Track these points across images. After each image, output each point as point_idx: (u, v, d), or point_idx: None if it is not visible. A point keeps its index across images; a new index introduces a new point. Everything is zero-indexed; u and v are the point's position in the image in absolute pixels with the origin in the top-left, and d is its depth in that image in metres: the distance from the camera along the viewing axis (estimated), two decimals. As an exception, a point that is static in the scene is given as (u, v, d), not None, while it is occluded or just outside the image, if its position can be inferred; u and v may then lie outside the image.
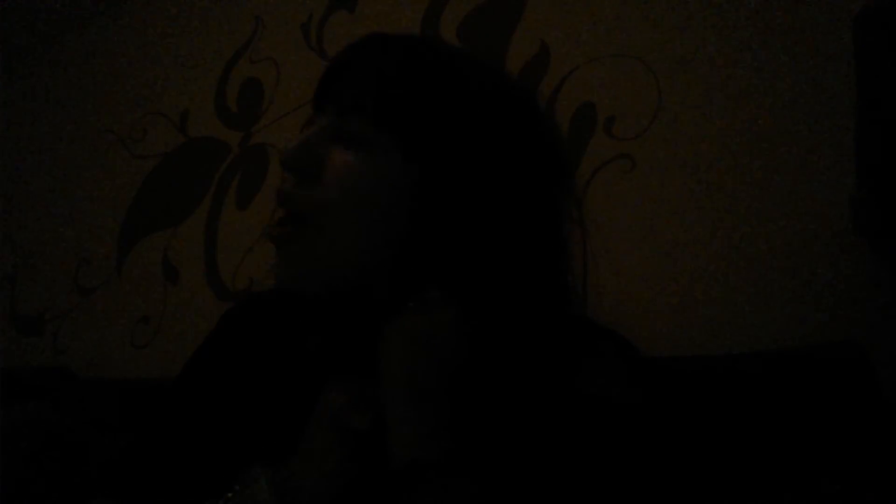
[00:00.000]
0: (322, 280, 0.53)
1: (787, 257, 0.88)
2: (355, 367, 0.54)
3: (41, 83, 1.90)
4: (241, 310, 0.66)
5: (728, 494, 0.66)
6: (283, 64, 1.44)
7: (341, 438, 0.51)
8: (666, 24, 1.03)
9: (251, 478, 0.51)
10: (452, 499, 0.46)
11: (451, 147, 0.53)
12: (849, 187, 0.80)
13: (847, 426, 0.66)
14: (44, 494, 0.87)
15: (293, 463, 0.52)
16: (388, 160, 0.52)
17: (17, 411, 0.98)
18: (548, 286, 0.59)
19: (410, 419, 0.48)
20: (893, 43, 0.67)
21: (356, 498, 0.50)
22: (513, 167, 0.55)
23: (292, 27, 1.44)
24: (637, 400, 0.53)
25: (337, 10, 1.39)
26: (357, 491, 0.51)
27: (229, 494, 0.51)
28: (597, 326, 0.63)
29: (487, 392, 0.50)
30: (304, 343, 0.58)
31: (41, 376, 1.37)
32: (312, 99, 0.58)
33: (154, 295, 1.50)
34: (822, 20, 0.91)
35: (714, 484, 0.66)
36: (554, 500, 0.48)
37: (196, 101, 1.56)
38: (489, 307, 0.52)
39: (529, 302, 0.55)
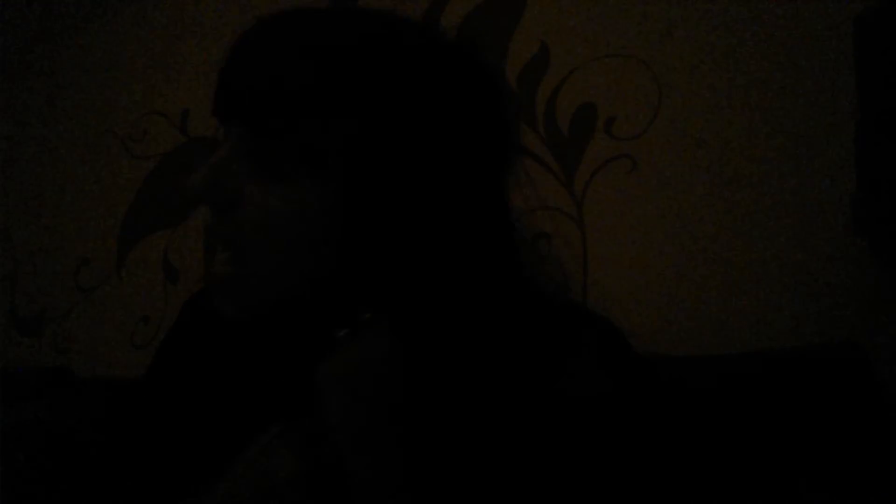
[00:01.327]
0: (243, 306, 0.50)
1: (787, 257, 0.88)
2: (289, 398, 0.49)
3: (41, 83, 1.89)
4: (196, 307, 0.63)
5: (728, 495, 0.66)
6: (283, 64, 1.44)
7: (259, 483, 0.46)
8: (666, 24, 1.03)
9: None
10: None
11: (369, 161, 0.47)
12: (849, 187, 0.80)
13: (847, 426, 0.66)
14: (44, 495, 0.87)
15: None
16: (304, 188, 0.47)
17: (17, 411, 0.97)
18: (500, 280, 0.52)
19: (363, 475, 0.44)
20: (893, 43, 0.67)
21: None
22: (438, 160, 0.49)
23: (292, 27, 1.44)
24: (617, 399, 0.49)
25: (337, 10, 1.39)
26: None
27: None
28: (577, 312, 0.57)
29: (444, 425, 0.46)
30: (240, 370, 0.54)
31: (41, 376, 1.37)
32: (212, 109, 0.52)
33: (154, 295, 1.50)
34: (822, 21, 0.91)
35: (713, 484, 0.66)
36: None
37: (196, 101, 1.56)
38: (432, 322, 0.47)
39: (480, 306, 0.50)
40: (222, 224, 0.49)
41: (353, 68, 0.47)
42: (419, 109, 0.49)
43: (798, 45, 0.93)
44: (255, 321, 0.51)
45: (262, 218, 0.47)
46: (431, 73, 0.50)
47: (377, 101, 0.47)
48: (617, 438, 0.48)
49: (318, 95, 0.47)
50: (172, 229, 1.51)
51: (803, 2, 0.93)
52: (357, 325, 0.47)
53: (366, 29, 0.50)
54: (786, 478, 0.65)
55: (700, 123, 0.98)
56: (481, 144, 0.52)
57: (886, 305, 0.81)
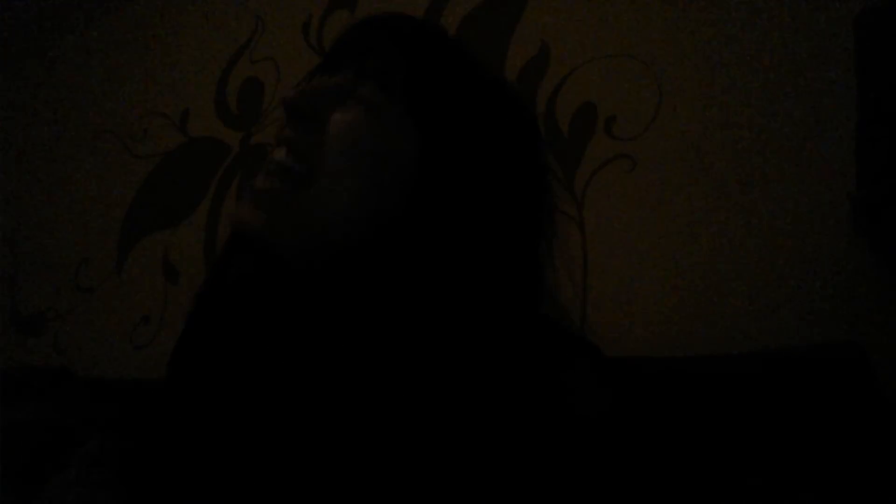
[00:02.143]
0: (301, 235, 0.49)
1: (787, 257, 0.88)
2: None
3: (41, 83, 1.90)
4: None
5: (728, 495, 0.66)
6: (283, 64, 1.44)
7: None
8: (666, 24, 1.03)
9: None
10: None
11: (460, 127, 0.53)
12: (849, 187, 0.80)
13: (847, 426, 0.66)
14: (43, 494, 0.87)
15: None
16: (396, 126, 0.51)
17: (17, 411, 0.97)
18: (530, 287, 0.57)
19: None
20: (893, 43, 0.67)
21: None
22: (509, 162, 0.56)
23: (292, 27, 1.44)
24: (615, 420, 0.50)
25: (337, 10, 1.39)
26: None
27: None
28: (567, 333, 0.59)
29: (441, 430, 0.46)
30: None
31: (41, 376, 1.37)
32: (325, 54, 0.57)
33: (154, 295, 1.50)
34: (822, 20, 0.91)
35: (713, 485, 0.66)
36: None
37: (196, 101, 1.56)
38: (470, 310, 0.50)
39: (512, 304, 0.54)
40: (304, 136, 0.50)
41: (465, 66, 0.57)
42: (495, 125, 0.56)
43: (798, 45, 0.93)
44: (278, 255, 0.50)
45: (349, 134, 0.49)
46: (504, 103, 0.59)
47: (477, 91, 0.56)
48: (618, 453, 0.49)
49: (438, 73, 0.54)
50: (172, 229, 1.52)
51: (803, 2, 0.93)
52: None
53: (456, 42, 0.61)
54: (785, 478, 0.65)
55: (700, 123, 0.98)
56: (534, 171, 0.59)
57: (886, 305, 0.81)
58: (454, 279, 0.50)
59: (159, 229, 1.54)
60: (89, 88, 1.78)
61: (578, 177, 1.05)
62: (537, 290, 0.58)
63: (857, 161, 0.75)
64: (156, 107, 1.63)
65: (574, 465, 0.47)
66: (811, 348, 0.75)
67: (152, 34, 1.69)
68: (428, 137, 0.51)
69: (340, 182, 0.49)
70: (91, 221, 1.68)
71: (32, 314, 1.72)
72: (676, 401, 0.72)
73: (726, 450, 0.68)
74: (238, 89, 1.50)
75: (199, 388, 0.54)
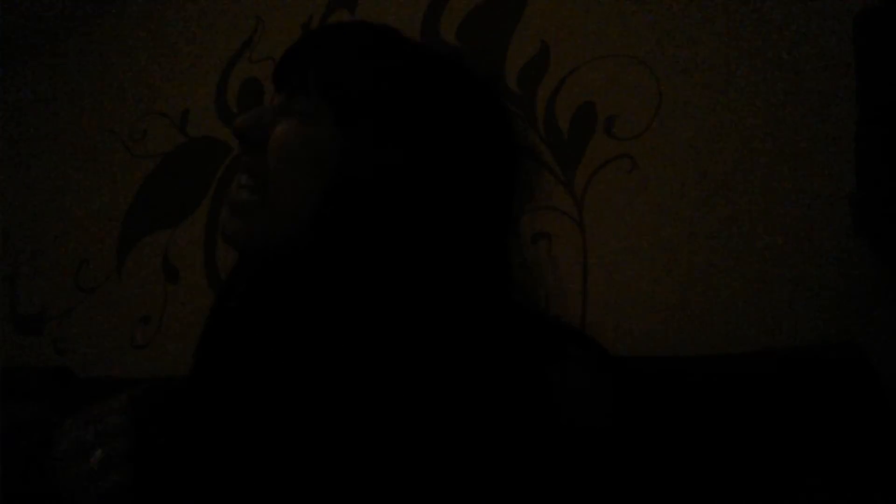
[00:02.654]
0: (265, 237, 0.56)
1: (787, 257, 0.88)
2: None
3: (41, 83, 1.90)
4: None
5: (728, 495, 0.66)
6: (283, 64, 1.44)
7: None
8: (666, 24, 1.03)
9: None
10: None
11: (377, 116, 0.55)
12: (849, 187, 0.80)
13: (847, 426, 0.66)
14: (44, 495, 0.87)
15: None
16: (320, 127, 0.56)
17: (18, 411, 0.97)
18: (480, 275, 0.56)
19: None
20: (893, 43, 0.67)
21: None
22: (448, 146, 0.56)
23: (292, 27, 1.44)
24: (603, 419, 0.50)
25: (337, 10, 1.39)
26: None
27: None
28: (554, 325, 0.58)
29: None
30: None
31: (41, 376, 1.37)
32: (273, 80, 0.63)
33: (154, 295, 1.50)
34: (822, 20, 0.91)
35: (713, 485, 0.66)
36: None
37: (196, 101, 1.56)
38: (406, 296, 0.52)
39: (462, 289, 0.54)
40: (251, 155, 0.57)
41: (383, 66, 0.58)
42: (430, 108, 0.57)
43: (798, 45, 0.93)
44: (253, 256, 0.57)
45: (282, 145, 0.56)
46: (443, 83, 0.59)
47: (399, 95, 0.56)
48: (617, 466, 0.49)
49: (353, 71, 0.57)
50: (172, 229, 1.52)
51: (803, 2, 0.93)
52: None
53: (398, 44, 0.61)
54: (786, 478, 0.65)
55: (700, 123, 0.98)
56: (486, 150, 0.58)
57: (886, 305, 0.81)
58: (393, 268, 0.52)
59: (159, 229, 1.54)
60: (89, 88, 1.78)
61: (578, 177, 1.05)
62: (502, 276, 0.58)
63: (857, 161, 0.74)
64: (156, 107, 1.63)
65: (563, 476, 0.47)
66: (811, 348, 0.75)
67: (152, 34, 1.69)
68: (346, 134, 0.55)
69: (282, 189, 0.55)
70: (91, 221, 1.68)
71: (32, 314, 1.72)
72: (676, 401, 0.72)
73: (726, 450, 0.68)
74: (238, 89, 1.50)
75: (204, 383, 0.59)
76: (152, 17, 1.70)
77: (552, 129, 1.09)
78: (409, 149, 0.54)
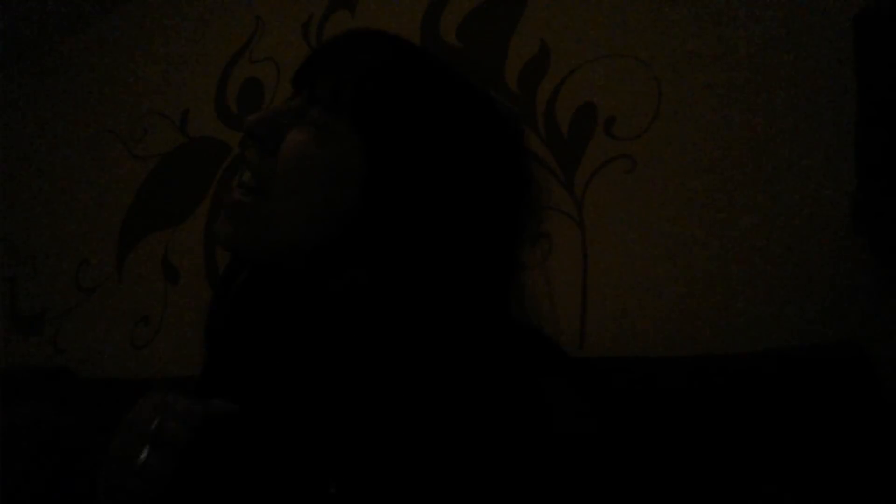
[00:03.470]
0: (261, 243, 0.56)
1: (787, 257, 0.88)
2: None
3: (41, 83, 1.90)
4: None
5: (727, 495, 0.66)
6: (283, 64, 1.44)
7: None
8: (666, 24, 1.03)
9: None
10: None
11: (404, 141, 0.56)
12: (849, 187, 0.80)
13: (847, 426, 0.66)
14: (44, 495, 0.87)
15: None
16: (342, 142, 0.55)
17: (17, 411, 0.97)
18: (490, 291, 0.58)
19: None
20: (893, 43, 0.67)
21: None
22: (463, 168, 0.57)
23: (292, 27, 1.44)
24: (593, 430, 0.52)
25: (337, 10, 1.39)
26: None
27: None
28: (548, 342, 0.60)
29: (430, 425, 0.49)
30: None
31: (41, 376, 1.37)
32: (292, 79, 0.62)
33: (154, 295, 1.50)
34: (822, 20, 0.91)
35: (713, 485, 0.66)
36: None
37: (196, 101, 1.56)
38: (421, 311, 0.53)
39: (467, 305, 0.55)
40: (263, 159, 0.56)
41: (412, 78, 0.58)
42: (456, 133, 0.58)
43: (798, 44, 0.93)
44: (248, 260, 0.58)
45: (297, 155, 0.55)
46: (469, 109, 0.60)
47: (424, 102, 0.57)
48: (600, 475, 0.50)
49: (378, 91, 0.56)
50: (172, 229, 1.52)
51: (803, 2, 0.93)
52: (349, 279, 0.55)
53: (415, 53, 0.61)
54: (786, 478, 0.65)
55: (700, 123, 0.98)
56: (503, 175, 0.60)
57: (886, 305, 0.81)
58: (404, 280, 0.54)
59: (159, 229, 1.54)
60: (89, 88, 1.78)
61: (578, 177, 1.05)
62: (506, 293, 0.60)
63: (856, 161, 0.74)
64: (156, 107, 1.64)
65: (550, 479, 0.48)
66: (811, 348, 0.75)
67: (152, 34, 1.69)
68: (372, 149, 0.55)
69: (290, 197, 0.55)
70: (91, 221, 1.68)
71: (32, 314, 1.72)
72: (676, 401, 0.72)
73: (726, 450, 0.68)
74: (238, 89, 1.50)
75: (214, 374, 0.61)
76: (152, 18, 1.70)
77: (552, 130, 1.09)
78: (433, 170, 0.56)
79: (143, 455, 0.49)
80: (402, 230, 0.54)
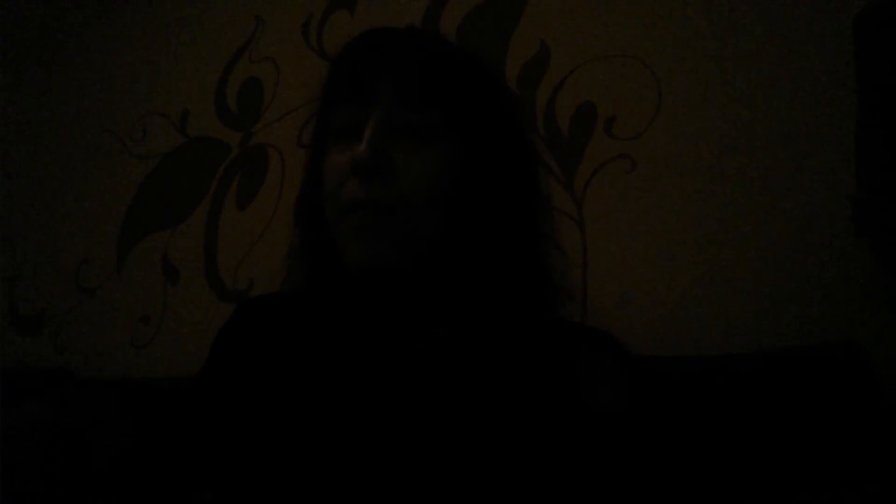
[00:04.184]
0: (402, 255, 0.57)
1: (787, 257, 0.88)
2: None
3: (41, 83, 1.90)
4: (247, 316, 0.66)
5: (727, 494, 0.66)
6: (283, 64, 1.44)
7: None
8: (666, 24, 1.03)
9: None
10: None
11: (485, 126, 0.60)
12: (849, 187, 0.80)
13: (847, 426, 0.66)
14: (44, 494, 0.87)
15: None
16: (444, 144, 0.58)
17: (18, 411, 0.97)
18: (546, 277, 0.64)
19: None
20: (893, 43, 0.67)
21: None
22: (520, 150, 0.64)
23: (292, 27, 1.44)
24: (623, 407, 0.56)
25: (337, 10, 1.39)
26: None
27: None
28: (580, 325, 0.67)
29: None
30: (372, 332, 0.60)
31: (41, 376, 1.37)
32: (329, 92, 0.62)
33: (154, 295, 1.50)
34: (822, 20, 0.91)
35: (713, 485, 0.66)
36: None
37: (196, 101, 1.56)
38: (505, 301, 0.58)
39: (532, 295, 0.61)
40: (379, 187, 0.56)
41: (467, 64, 0.63)
42: (500, 101, 0.64)
43: (798, 44, 0.93)
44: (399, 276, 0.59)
45: (415, 172, 0.57)
46: (511, 99, 0.68)
47: (484, 87, 0.62)
48: (634, 448, 0.54)
49: (454, 77, 0.59)
50: (172, 229, 1.52)
51: (803, 2, 0.93)
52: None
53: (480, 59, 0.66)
54: (785, 477, 0.65)
55: (700, 123, 0.98)
56: (534, 154, 0.67)
57: (886, 305, 0.81)
58: (498, 269, 0.59)
59: (159, 229, 1.54)
60: (89, 88, 1.78)
61: (578, 177, 1.05)
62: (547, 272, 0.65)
63: (857, 161, 0.74)
64: (156, 107, 1.63)
65: (584, 449, 0.52)
66: (811, 348, 0.75)
67: (152, 34, 1.69)
68: (467, 136, 0.58)
69: (419, 210, 0.57)
70: (91, 221, 1.68)
71: (32, 314, 1.72)
72: (676, 401, 0.72)
73: (725, 449, 0.68)
74: (238, 89, 1.50)
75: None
76: (152, 17, 1.70)
77: (552, 129, 1.09)
78: (507, 149, 0.61)
79: None
80: (493, 211, 0.59)
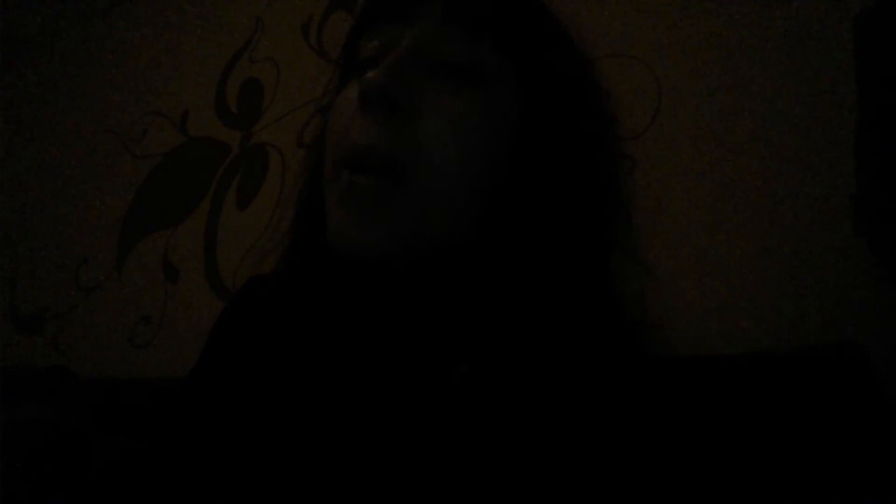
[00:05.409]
0: (405, 247, 0.41)
1: (787, 257, 0.88)
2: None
3: (41, 83, 1.89)
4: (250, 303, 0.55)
5: (727, 495, 0.66)
6: (283, 64, 1.44)
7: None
8: (666, 24, 1.03)
9: None
10: None
11: (556, 86, 0.44)
12: (849, 187, 0.80)
13: (847, 427, 0.66)
14: (44, 495, 0.87)
15: None
16: (498, 94, 0.42)
17: (17, 411, 0.97)
18: (617, 307, 0.52)
19: None
20: (893, 43, 0.67)
21: None
22: (600, 127, 0.49)
23: (292, 27, 1.44)
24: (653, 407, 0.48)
25: (337, 10, 1.39)
26: None
27: None
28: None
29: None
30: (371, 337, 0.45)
31: (41, 376, 1.37)
32: (362, 11, 0.47)
33: (154, 295, 1.50)
34: (822, 20, 0.91)
35: (713, 485, 0.66)
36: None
37: (196, 101, 1.56)
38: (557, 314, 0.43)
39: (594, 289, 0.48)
40: (395, 131, 0.40)
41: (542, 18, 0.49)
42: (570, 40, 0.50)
43: (798, 45, 0.93)
44: (382, 265, 0.42)
45: (450, 128, 0.40)
46: (586, 64, 0.53)
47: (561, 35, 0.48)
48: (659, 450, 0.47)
49: (518, 20, 0.44)
50: (172, 229, 1.52)
51: (803, 2, 0.93)
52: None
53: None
54: (785, 478, 0.65)
55: (700, 123, 0.98)
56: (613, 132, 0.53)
57: (886, 305, 0.81)
58: (558, 265, 0.44)
59: (159, 229, 1.54)
60: (89, 88, 1.78)
61: (578, 177, 1.05)
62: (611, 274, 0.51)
63: (856, 161, 0.74)
64: (156, 107, 1.63)
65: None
66: (811, 348, 0.75)
67: (152, 34, 1.69)
68: (527, 82, 0.43)
69: (448, 175, 0.41)
70: (91, 221, 1.68)
71: (32, 314, 1.72)
72: (675, 401, 0.72)
73: (725, 449, 0.68)
74: (238, 89, 1.50)
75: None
76: (152, 18, 1.70)
77: (552, 129, 1.09)
78: (580, 138, 0.46)
79: None
80: (556, 205, 0.43)
